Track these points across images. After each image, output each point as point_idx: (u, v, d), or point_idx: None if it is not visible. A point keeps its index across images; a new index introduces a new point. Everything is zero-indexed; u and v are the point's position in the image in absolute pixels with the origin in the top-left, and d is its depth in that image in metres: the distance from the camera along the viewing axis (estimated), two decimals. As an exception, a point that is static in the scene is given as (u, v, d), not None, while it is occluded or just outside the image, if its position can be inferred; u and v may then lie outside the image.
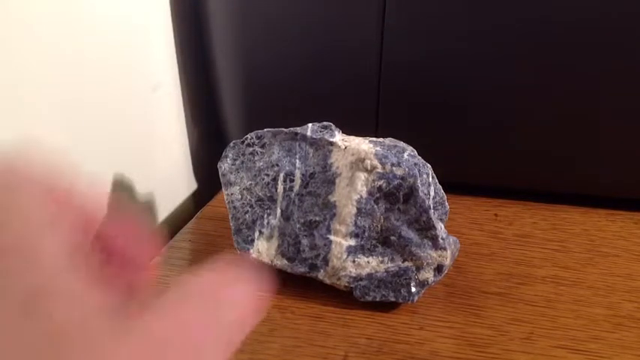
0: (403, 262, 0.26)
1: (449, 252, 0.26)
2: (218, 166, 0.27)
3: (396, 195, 0.26)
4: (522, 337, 0.25)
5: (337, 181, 0.26)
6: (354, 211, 0.26)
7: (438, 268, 0.26)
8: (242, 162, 0.27)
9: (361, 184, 0.26)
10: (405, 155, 0.26)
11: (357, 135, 0.27)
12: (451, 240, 0.26)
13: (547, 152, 0.34)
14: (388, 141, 0.27)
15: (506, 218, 0.34)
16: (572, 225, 0.33)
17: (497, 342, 0.25)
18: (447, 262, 0.26)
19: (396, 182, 0.25)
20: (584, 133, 0.33)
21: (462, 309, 0.27)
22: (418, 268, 0.26)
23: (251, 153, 0.27)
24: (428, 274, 0.26)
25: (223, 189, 0.27)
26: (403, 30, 0.32)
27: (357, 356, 0.24)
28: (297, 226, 0.26)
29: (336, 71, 0.34)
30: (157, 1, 0.35)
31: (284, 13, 0.33)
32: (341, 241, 0.26)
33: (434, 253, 0.26)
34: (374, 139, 0.27)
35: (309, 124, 0.27)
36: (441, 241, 0.26)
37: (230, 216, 0.27)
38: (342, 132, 0.27)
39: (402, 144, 0.27)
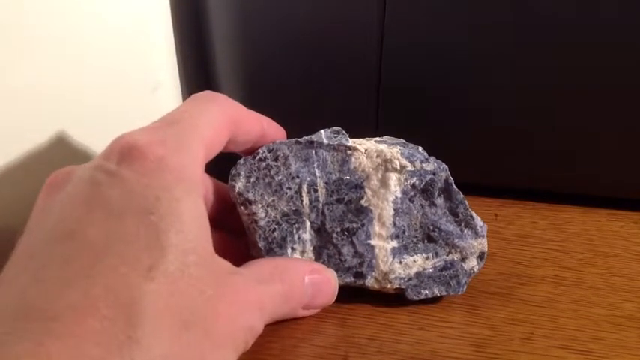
0: (448, 254, 0.26)
1: (485, 239, 0.27)
2: (230, 185, 0.25)
3: (431, 191, 0.26)
4: (522, 337, 0.25)
5: (366, 185, 0.26)
6: (391, 212, 0.26)
7: (480, 256, 0.27)
8: (257, 178, 0.25)
9: (394, 185, 0.26)
10: (421, 151, 0.27)
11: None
12: (485, 227, 0.27)
13: (547, 152, 0.34)
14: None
15: (506, 218, 0.34)
16: (572, 225, 0.33)
17: (497, 342, 0.25)
18: (486, 248, 0.27)
19: (428, 178, 0.26)
20: (584, 133, 0.33)
21: (461, 309, 0.27)
22: (464, 259, 0.27)
23: (265, 167, 0.25)
24: (472, 263, 0.27)
25: (241, 209, 0.25)
26: (404, 29, 0.32)
27: (357, 356, 0.24)
28: (334, 235, 0.26)
29: (337, 70, 0.34)
30: (157, 1, 0.35)
31: (284, 13, 0.33)
32: (384, 245, 0.26)
33: (475, 242, 0.26)
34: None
35: (322, 131, 0.26)
36: (479, 229, 0.26)
37: (257, 236, 0.25)
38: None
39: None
